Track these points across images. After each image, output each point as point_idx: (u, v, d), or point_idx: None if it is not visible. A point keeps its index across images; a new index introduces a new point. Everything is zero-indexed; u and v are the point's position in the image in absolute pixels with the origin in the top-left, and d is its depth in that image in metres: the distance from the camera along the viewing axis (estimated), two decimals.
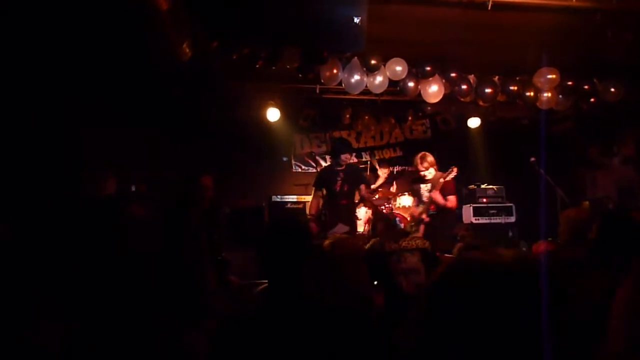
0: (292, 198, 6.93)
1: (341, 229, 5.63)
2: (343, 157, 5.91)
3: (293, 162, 7.97)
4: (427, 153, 5.88)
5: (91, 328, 2.58)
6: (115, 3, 3.99)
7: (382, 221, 5.41)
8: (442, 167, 5.94)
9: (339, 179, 5.93)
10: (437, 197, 5.72)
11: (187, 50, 4.98)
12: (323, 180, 6.06)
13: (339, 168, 5.97)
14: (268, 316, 1.93)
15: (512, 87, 6.02)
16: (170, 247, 3.49)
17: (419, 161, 5.81)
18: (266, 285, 2.18)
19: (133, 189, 5.05)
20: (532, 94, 6.04)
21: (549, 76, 5.93)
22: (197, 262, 3.60)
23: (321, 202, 6.05)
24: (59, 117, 4.69)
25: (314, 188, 6.16)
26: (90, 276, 2.98)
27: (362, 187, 6.15)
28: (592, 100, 6.17)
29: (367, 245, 4.78)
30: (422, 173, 5.82)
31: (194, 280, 3.49)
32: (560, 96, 6.12)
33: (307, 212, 6.29)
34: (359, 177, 6.23)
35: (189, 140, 6.39)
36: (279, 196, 6.89)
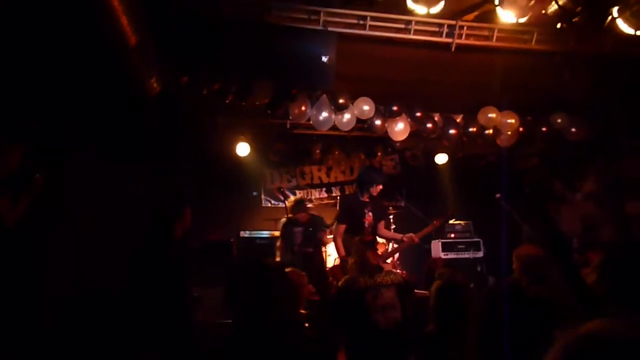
0: (262, 233, 6.84)
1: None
2: (377, 188, 5.36)
3: (263, 196, 7.92)
4: None
5: None
6: (81, 37, 3.98)
7: (357, 255, 5.16)
8: (413, 201, 5.99)
9: (367, 211, 5.36)
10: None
11: (155, 85, 4.97)
12: (350, 213, 5.40)
13: (365, 199, 5.41)
14: (233, 357, 1.95)
15: (471, 129, 6.13)
16: (150, 279, 3.37)
17: None
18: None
19: None
20: (491, 132, 6.18)
21: (509, 120, 6.09)
22: (177, 296, 3.49)
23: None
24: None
25: (338, 223, 5.45)
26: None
27: (382, 223, 5.63)
28: (550, 138, 6.36)
29: (340, 283, 4.68)
30: None
31: (174, 317, 3.39)
32: (521, 130, 6.28)
33: (337, 252, 5.54)
34: (383, 210, 5.66)
35: (157, 173, 6.31)
36: (247, 231, 6.79)
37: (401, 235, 5.69)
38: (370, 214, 5.39)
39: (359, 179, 5.78)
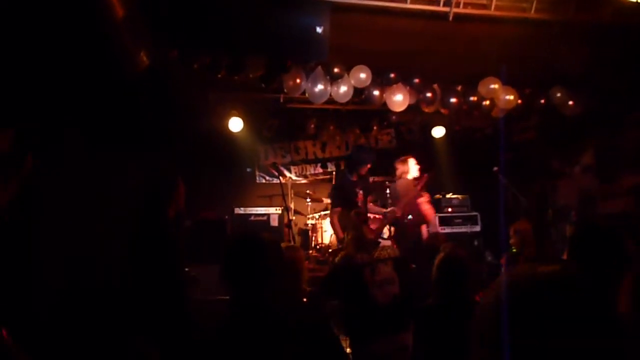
0: (256, 210, 6.77)
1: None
2: (366, 167, 5.49)
3: (257, 173, 7.85)
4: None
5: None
6: (67, 11, 3.83)
7: (353, 231, 4.97)
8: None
9: (358, 190, 5.48)
10: None
11: (145, 59, 4.83)
12: (343, 195, 5.50)
13: (354, 178, 5.53)
14: (230, 334, 1.88)
15: (472, 98, 6.05)
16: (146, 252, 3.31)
17: None
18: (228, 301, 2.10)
19: None
20: (488, 103, 6.11)
21: (508, 97, 6.01)
22: (170, 278, 3.43)
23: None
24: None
25: (334, 207, 5.57)
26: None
27: (369, 197, 5.75)
28: (548, 111, 6.30)
29: (337, 259, 4.65)
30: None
31: (168, 300, 3.33)
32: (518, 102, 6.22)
33: (335, 235, 5.66)
34: (370, 186, 5.80)
35: (149, 152, 6.20)
36: (242, 208, 6.72)
37: (385, 210, 5.81)
38: (361, 192, 5.49)
39: (348, 160, 5.93)
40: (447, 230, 6.69)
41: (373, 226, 6.05)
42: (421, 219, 5.91)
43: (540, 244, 3.83)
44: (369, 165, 5.52)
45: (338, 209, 5.47)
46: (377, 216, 6.39)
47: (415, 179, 5.86)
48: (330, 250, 6.14)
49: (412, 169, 5.85)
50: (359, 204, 5.45)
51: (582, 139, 6.62)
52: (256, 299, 1.94)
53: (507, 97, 6.02)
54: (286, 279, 2.78)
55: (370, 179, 7.77)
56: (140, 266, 3.21)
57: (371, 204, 5.95)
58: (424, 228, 5.97)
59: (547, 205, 6.34)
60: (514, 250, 4.54)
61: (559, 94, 6.22)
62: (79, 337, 3.20)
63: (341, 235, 5.41)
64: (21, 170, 3.57)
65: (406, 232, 5.78)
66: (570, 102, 6.18)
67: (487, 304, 0.90)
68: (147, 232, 3.39)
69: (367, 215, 5.59)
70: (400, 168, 5.98)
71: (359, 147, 6.96)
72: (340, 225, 5.45)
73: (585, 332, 0.79)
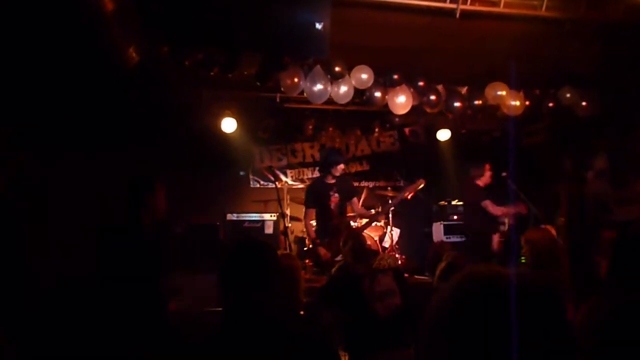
0: (250, 216, 6.52)
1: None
2: (338, 167, 5.50)
3: (251, 176, 7.56)
4: None
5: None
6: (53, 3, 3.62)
7: (352, 240, 5.11)
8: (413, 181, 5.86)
9: (332, 193, 5.52)
10: None
11: (134, 54, 4.62)
12: (316, 196, 5.59)
13: (330, 181, 5.55)
14: (225, 343, 1.82)
15: (477, 102, 5.89)
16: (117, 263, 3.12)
17: None
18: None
19: None
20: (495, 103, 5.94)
21: (514, 102, 5.86)
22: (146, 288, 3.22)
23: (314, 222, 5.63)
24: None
25: (306, 208, 5.70)
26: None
27: (354, 200, 5.76)
28: (559, 113, 6.13)
29: (334, 270, 4.44)
30: None
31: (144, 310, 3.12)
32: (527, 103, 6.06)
33: (308, 236, 5.85)
34: (351, 189, 5.83)
35: (136, 151, 5.97)
36: (235, 214, 6.47)
37: (371, 212, 5.92)
38: (337, 195, 5.53)
39: (320, 162, 6.11)
40: (453, 238, 6.50)
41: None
42: (490, 226, 5.89)
43: (579, 259, 3.55)
44: (342, 166, 5.57)
45: (312, 210, 5.63)
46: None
47: (484, 186, 5.89)
48: (305, 248, 6.15)
49: (485, 174, 5.90)
50: (332, 206, 5.50)
51: (594, 141, 6.46)
52: (254, 306, 1.87)
53: (514, 103, 5.89)
54: (283, 287, 2.61)
55: (371, 184, 7.59)
56: (112, 276, 3.00)
57: (359, 206, 5.95)
58: (495, 238, 5.90)
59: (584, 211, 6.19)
60: (524, 260, 4.30)
61: (568, 94, 6.06)
62: (70, 335, 3.04)
63: (313, 235, 5.57)
64: (6, 170, 3.38)
65: (476, 242, 5.80)
66: (583, 104, 6.03)
67: (436, 305, 0.91)
68: (117, 240, 3.18)
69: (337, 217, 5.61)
70: (473, 171, 6.04)
71: (329, 149, 7.06)
72: (312, 226, 5.63)
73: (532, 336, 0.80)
